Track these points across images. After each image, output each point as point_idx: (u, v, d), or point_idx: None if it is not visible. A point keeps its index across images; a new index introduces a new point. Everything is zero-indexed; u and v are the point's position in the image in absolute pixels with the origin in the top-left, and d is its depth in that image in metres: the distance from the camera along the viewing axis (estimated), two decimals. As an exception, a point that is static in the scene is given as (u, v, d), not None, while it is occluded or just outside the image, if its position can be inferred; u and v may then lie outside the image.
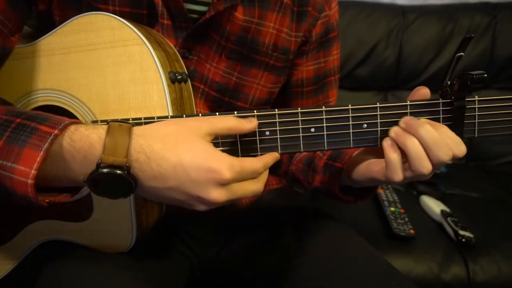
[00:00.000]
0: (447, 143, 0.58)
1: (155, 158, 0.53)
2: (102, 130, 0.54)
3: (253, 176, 0.58)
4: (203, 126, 0.56)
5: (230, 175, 0.53)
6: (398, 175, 0.59)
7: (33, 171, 0.51)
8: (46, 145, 0.52)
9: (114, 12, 0.71)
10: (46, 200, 0.55)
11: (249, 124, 0.60)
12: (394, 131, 0.61)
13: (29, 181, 0.51)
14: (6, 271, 0.76)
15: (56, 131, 0.52)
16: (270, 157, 0.62)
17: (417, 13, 1.87)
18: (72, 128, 0.54)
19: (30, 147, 0.52)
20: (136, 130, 0.54)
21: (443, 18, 1.85)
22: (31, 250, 0.74)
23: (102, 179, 0.53)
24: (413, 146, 0.58)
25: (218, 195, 0.54)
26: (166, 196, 0.56)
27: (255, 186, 0.58)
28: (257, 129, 0.63)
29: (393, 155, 0.60)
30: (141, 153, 0.53)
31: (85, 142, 0.53)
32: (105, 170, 0.52)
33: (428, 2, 2.02)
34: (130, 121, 0.64)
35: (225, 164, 0.53)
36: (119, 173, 0.52)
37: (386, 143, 0.61)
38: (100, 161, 0.52)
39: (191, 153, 0.53)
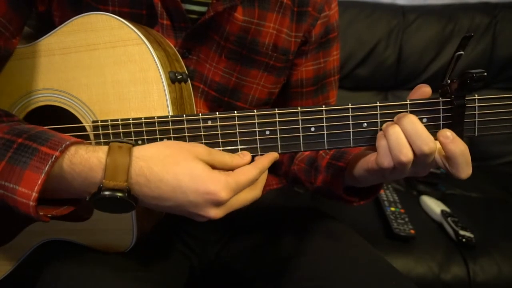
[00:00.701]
0: (429, 135, 0.58)
1: (155, 180, 0.54)
2: (102, 153, 0.55)
3: (250, 185, 0.59)
4: (203, 153, 0.58)
5: (226, 195, 0.55)
6: (386, 160, 0.60)
7: (34, 194, 0.52)
8: (46, 168, 0.52)
9: (113, 13, 0.71)
10: (49, 215, 0.56)
11: (242, 160, 0.62)
12: (385, 123, 0.61)
13: (31, 203, 0.52)
14: (7, 271, 0.76)
15: (56, 153, 0.53)
16: (267, 160, 0.62)
17: (417, 13, 1.87)
18: (72, 150, 0.55)
19: (31, 169, 0.53)
20: (136, 151, 0.55)
21: (443, 18, 1.85)
22: (31, 250, 0.74)
23: (104, 199, 0.54)
24: (393, 133, 0.58)
25: (216, 213, 0.56)
26: (166, 211, 0.59)
27: (251, 195, 0.60)
28: (257, 129, 0.63)
29: (381, 142, 0.60)
30: (141, 175, 0.54)
31: (85, 165, 0.54)
32: (106, 193, 0.53)
33: (428, 2, 2.01)
34: (131, 121, 0.64)
35: (222, 185, 0.54)
36: (120, 196, 0.53)
37: (379, 133, 0.62)
38: (101, 185, 0.53)
39: (190, 175, 0.55)
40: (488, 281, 1.19)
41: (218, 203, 0.55)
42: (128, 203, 0.55)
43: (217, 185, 0.54)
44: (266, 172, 0.63)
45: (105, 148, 0.55)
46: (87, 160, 0.54)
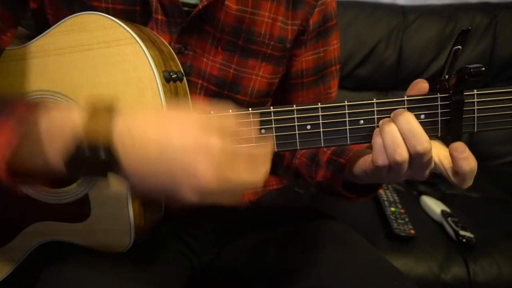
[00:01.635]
0: (424, 134, 0.57)
1: (140, 139, 0.49)
2: (81, 112, 0.50)
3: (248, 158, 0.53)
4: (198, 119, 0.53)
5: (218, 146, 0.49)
6: (380, 158, 0.59)
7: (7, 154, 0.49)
8: (21, 128, 0.49)
9: (107, 10, 0.71)
10: (20, 183, 0.52)
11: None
12: (381, 120, 0.61)
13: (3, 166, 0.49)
14: (6, 272, 0.76)
15: (28, 113, 0.50)
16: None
17: (418, 13, 1.87)
18: (49, 110, 0.51)
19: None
20: (120, 110, 0.51)
21: (443, 18, 1.85)
22: (31, 251, 0.74)
23: (82, 159, 0.49)
24: (389, 131, 0.58)
25: (206, 168, 0.48)
26: (148, 185, 0.51)
27: (251, 176, 0.52)
28: (252, 127, 0.63)
29: (376, 140, 0.60)
30: (125, 132, 0.49)
31: (64, 119, 0.50)
32: (83, 150, 0.48)
33: (428, 2, 2.01)
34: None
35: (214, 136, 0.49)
36: (99, 154, 0.48)
37: (375, 131, 0.61)
38: (79, 141, 0.48)
39: (180, 134, 0.49)
40: (488, 281, 1.19)
41: (208, 147, 0.48)
42: (106, 163, 0.49)
43: (209, 138, 0.48)
44: (269, 166, 0.56)
45: (85, 107, 0.50)
46: (67, 114, 0.50)
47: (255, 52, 0.82)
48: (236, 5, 0.77)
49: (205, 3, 0.73)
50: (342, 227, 0.87)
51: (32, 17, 0.77)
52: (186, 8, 0.75)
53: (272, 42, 0.82)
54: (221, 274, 0.91)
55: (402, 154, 0.57)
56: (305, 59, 0.90)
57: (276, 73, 0.87)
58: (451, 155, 0.57)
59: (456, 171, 0.57)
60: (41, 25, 0.74)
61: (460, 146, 0.56)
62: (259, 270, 0.83)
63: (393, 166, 0.59)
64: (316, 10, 0.85)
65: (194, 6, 0.75)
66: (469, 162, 0.56)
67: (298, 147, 0.64)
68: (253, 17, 0.79)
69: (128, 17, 0.69)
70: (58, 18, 0.69)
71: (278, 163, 1.07)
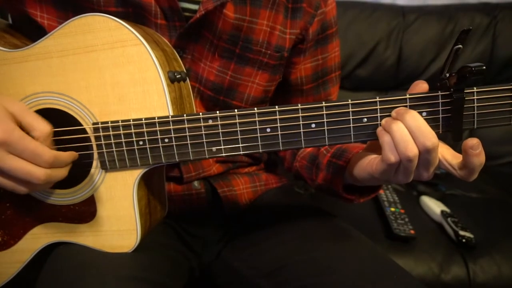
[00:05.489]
0: (431, 131, 0.58)
1: None
2: None
3: (34, 157, 0.59)
4: (18, 106, 0.60)
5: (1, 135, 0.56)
6: (392, 156, 0.60)
7: None
8: None
9: (98, 12, 0.71)
10: None
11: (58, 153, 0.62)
12: (384, 119, 0.62)
13: None
14: (12, 274, 0.76)
15: None
16: (67, 155, 0.64)
17: (417, 13, 1.87)
18: None
19: None
20: None
21: (443, 18, 1.85)
22: (36, 253, 0.75)
23: None
24: (397, 130, 0.59)
25: None
26: None
27: (32, 168, 0.60)
28: (257, 127, 0.63)
29: (385, 138, 0.60)
30: None
31: None
32: None
33: (428, 2, 2.02)
34: (131, 122, 0.64)
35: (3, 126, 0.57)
36: None
37: (378, 129, 0.62)
38: None
39: None
40: (488, 281, 1.20)
41: None
42: None
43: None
44: (65, 170, 0.64)
45: None
46: None
47: (251, 60, 0.82)
48: (234, 13, 0.78)
49: (203, 12, 0.73)
50: (342, 223, 0.87)
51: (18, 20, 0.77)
52: (186, 14, 0.76)
53: (269, 51, 0.83)
54: (222, 273, 0.91)
55: (413, 150, 0.58)
56: (304, 67, 0.91)
57: (272, 81, 0.87)
58: (465, 151, 0.58)
59: (465, 166, 0.59)
60: (34, 27, 0.75)
61: (475, 144, 0.57)
62: (260, 269, 0.83)
63: (404, 163, 0.59)
64: (316, 19, 0.85)
65: (193, 11, 0.76)
66: (480, 158, 0.57)
67: (303, 145, 0.64)
68: (251, 25, 0.80)
69: (121, 19, 0.69)
70: (50, 20, 0.69)
71: (277, 162, 1.08)
